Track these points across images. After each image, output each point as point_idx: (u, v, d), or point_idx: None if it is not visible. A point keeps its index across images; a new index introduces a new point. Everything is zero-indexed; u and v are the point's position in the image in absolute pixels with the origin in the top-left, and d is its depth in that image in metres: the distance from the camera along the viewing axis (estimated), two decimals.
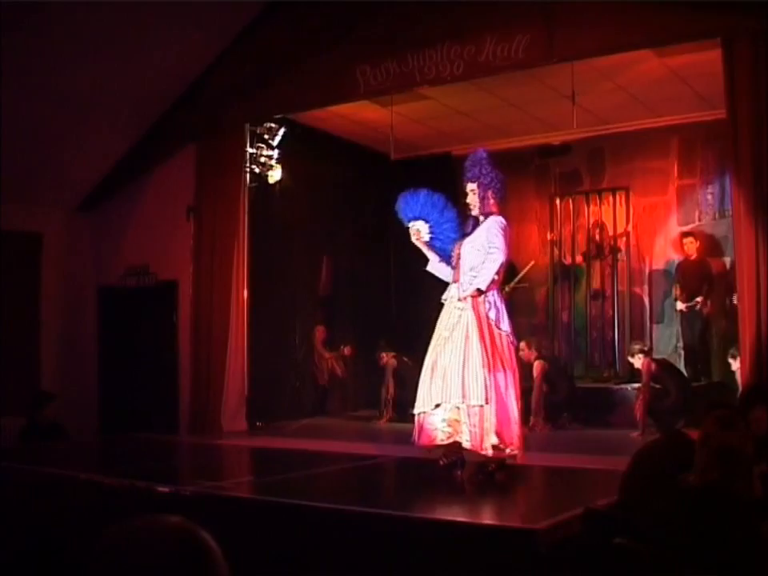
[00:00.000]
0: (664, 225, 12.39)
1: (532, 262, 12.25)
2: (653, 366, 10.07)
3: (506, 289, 11.95)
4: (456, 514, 5.68)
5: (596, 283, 12.66)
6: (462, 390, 6.66)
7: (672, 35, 8.78)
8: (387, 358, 12.06)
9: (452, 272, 7.15)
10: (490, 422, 6.62)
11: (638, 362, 10.17)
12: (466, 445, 6.71)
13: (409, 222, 7.46)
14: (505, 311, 6.94)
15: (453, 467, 6.93)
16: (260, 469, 8.81)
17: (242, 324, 11.32)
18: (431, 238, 7.39)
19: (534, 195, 13.48)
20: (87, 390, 12.50)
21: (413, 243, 7.46)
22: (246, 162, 11.47)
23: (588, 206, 12.88)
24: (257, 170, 11.62)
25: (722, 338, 11.32)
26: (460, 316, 6.90)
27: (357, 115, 11.71)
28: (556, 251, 12.97)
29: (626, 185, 12.53)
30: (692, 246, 11.24)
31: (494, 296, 6.95)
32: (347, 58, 10.35)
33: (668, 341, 12.06)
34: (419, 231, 7.38)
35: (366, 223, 13.77)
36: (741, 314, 8.36)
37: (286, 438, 10.44)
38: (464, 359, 6.72)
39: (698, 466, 3.70)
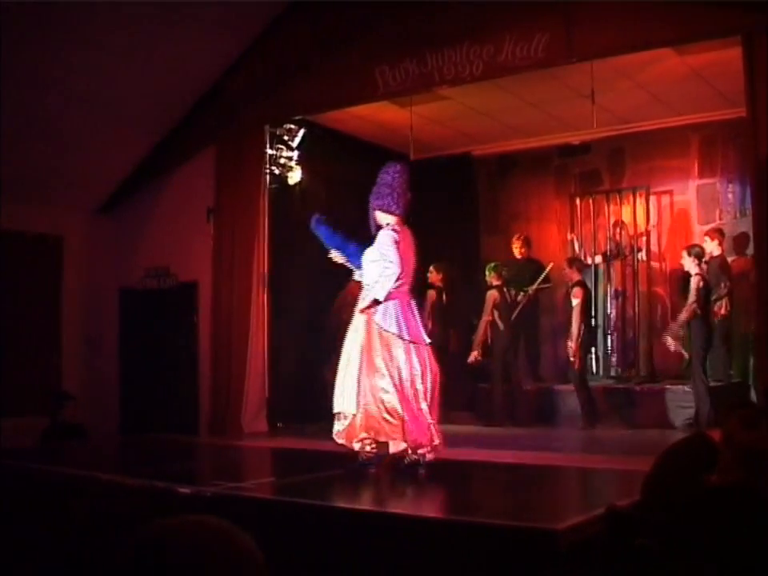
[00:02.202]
0: (684, 224, 12.35)
1: (551, 264, 12.22)
2: None
3: (529, 291, 11.95)
4: (474, 515, 5.66)
5: (616, 283, 12.62)
6: (342, 397, 7.26)
7: (692, 33, 8.75)
8: None
9: None
10: (367, 423, 7.17)
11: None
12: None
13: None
14: (396, 314, 7.26)
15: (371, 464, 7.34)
16: (281, 470, 8.81)
17: (261, 325, 11.34)
18: (347, 260, 8.06)
19: (553, 195, 13.47)
20: (108, 391, 12.54)
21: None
22: (265, 164, 11.49)
23: (608, 206, 12.85)
24: (276, 172, 11.63)
25: (743, 337, 11.25)
26: (357, 327, 7.38)
27: (376, 116, 11.71)
28: (576, 251, 12.94)
29: (646, 184, 12.49)
30: (711, 245, 11.10)
31: (390, 302, 7.30)
32: (366, 58, 10.36)
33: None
34: (336, 255, 8.19)
35: None
36: (759, 312, 8.32)
37: (306, 438, 10.43)
38: (347, 368, 7.28)
39: (721, 467, 3.68)
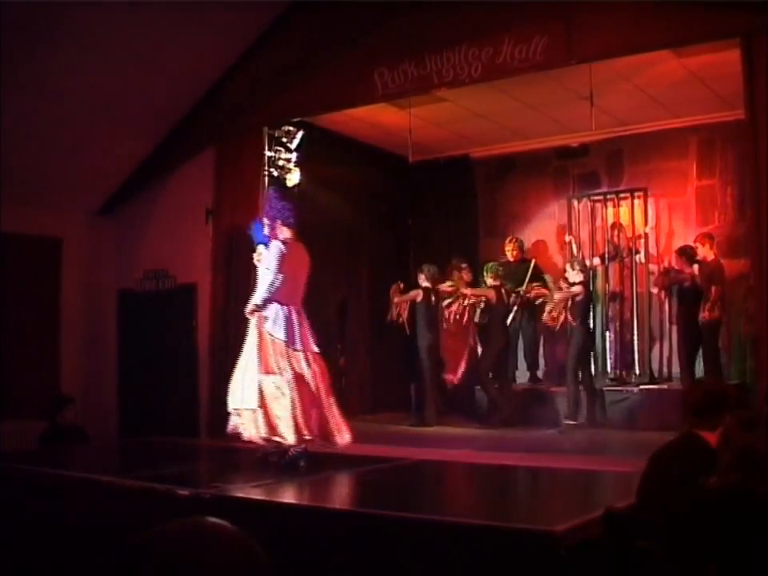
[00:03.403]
0: (683, 226, 12.33)
1: (533, 261, 12.31)
2: None
3: (521, 291, 11.98)
4: (472, 517, 5.67)
5: (614, 285, 12.62)
6: (242, 395, 7.99)
7: (690, 35, 8.76)
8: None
9: None
10: (264, 420, 7.87)
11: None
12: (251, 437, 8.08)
13: (258, 244, 8.66)
14: (284, 323, 8.06)
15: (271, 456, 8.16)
16: (279, 471, 8.80)
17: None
18: None
19: (552, 197, 13.46)
20: (107, 394, 12.55)
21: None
22: (264, 165, 11.48)
23: (606, 208, 12.84)
24: (275, 173, 11.62)
25: (741, 339, 11.25)
26: (251, 329, 8.18)
27: (375, 118, 11.72)
28: (574, 253, 12.93)
29: (645, 186, 12.47)
30: (703, 250, 11.02)
31: (279, 310, 8.11)
32: (365, 60, 10.37)
33: None
34: (261, 254, 8.52)
35: (384, 226, 13.77)
36: (759, 315, 8.33)
37: None
38: (245, 369, 8.03)
39: (719, 468, 3.69)
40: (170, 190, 12.29)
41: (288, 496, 6.63)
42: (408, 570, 5.01)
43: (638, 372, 12.11)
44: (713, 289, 10.49)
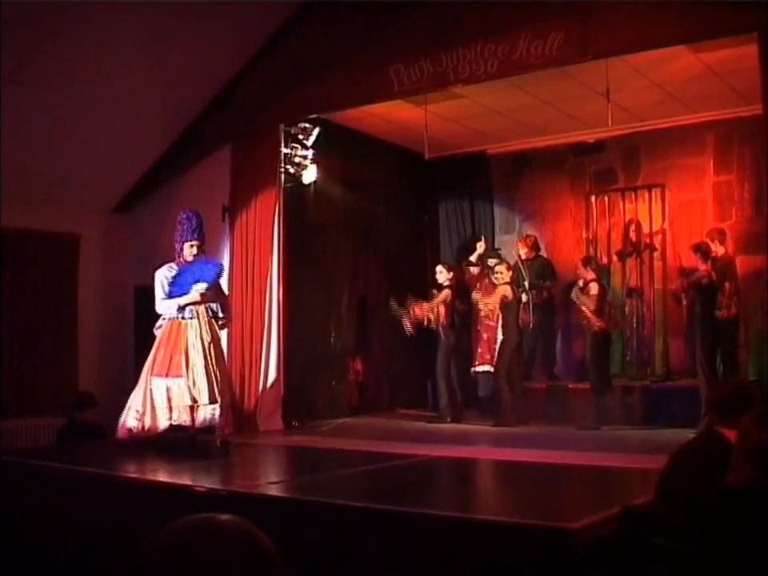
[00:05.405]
0: (700, 222, 12.28)
1: (514, 259, 12.38)
2: None
3: (525, 286, 11.95)
4: (488, 514, 5.67)
5: (631, 281, 12.58)
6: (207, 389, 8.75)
7: (707, 31, 8.71)
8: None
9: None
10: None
11: None
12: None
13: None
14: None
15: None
16: (296, 468, 8.83)
17: (277, 323, 11.35)
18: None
19: (568, 193, 13.43)
20: (124, 390, 12.56)
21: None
22: (280, 163, 11.49)
23: (623, 204, 12.81)
24: (291, 170, 11.64)
25: (759, 335, 11.20)
26: (210, 330, 9.02)
27: (391, 114, 11.72)
28: (591, 249, 12.91)
29: (662, 182, 12.45)
30: (713, 245, 10.94)
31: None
32: (381, 57, 10.36)
33: None
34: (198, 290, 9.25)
35: (401, 222, 13.77)
36: None
37: (321, 437, 10.45)
38: (202, 365, 8.87)
39: (735, 466, 3.67)
40: (186, 187, 12.30)
41: (304, 493, 6.63)
42: (423, 566, 5.01)
43: (656, 369, 12.09)
44: (726, 285, 10.44)
